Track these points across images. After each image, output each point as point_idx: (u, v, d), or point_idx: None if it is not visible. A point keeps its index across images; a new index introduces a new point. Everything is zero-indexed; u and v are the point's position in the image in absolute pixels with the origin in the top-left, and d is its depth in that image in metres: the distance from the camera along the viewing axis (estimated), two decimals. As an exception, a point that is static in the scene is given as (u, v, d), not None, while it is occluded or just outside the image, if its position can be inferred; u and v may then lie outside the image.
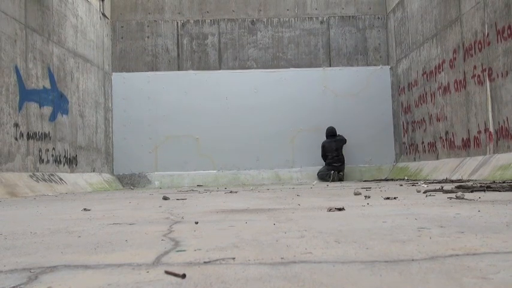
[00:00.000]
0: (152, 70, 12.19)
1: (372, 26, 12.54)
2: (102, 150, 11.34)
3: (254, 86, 12.21)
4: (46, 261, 1.43)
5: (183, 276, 1.14)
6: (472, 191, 4.12)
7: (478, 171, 7.56)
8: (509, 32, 7.09)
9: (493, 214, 2.31)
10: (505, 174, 6.69)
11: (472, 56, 8.24)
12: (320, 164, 12.02)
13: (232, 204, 3.80)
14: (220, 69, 12.31)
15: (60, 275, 1.24)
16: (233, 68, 12.30)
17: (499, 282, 1.01)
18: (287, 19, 12.50)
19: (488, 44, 7.66)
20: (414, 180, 8.76)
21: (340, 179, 11.31)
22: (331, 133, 11.70)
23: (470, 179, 7.36)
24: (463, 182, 6.36)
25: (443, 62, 9.39)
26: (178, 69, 12.25)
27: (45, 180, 8.11)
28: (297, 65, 12.36)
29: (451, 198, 3.46)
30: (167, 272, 1.19)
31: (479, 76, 8.02)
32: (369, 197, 3.86)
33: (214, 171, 11.95)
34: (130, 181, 11.81)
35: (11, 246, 1.77)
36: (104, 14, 11.74)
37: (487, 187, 4.36)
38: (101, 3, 11.60)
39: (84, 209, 3.63)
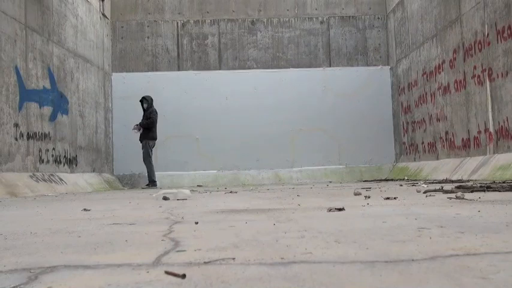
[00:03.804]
0: (152, 70, 12.19)
1: (372, 26, 12.54)
2: (102, 150, 11.34)
3: (254, 86, 12.21)
4: (46, 261, 1.43)
5: (183, 276, 1.14)
6: (472, 191, 4.12)
7: (478, 172, 7.56)
8: (509, 32, 7.09)
9: (493, 214, 2.31)
10: (505, 174, 6.69)
11: (472, 56, 8.24)
12: (320, 164, 12.02)
13: (232, 204, 3.80)
14: (220, 69, 12.31)
15: (60, 275, 1.24)
16: (233, 68, 12.30)
17: (499, 282, 1.01)
18: (287, 19, 12.50)
19: (488, 44, 7.66)
20: (414, 180, 8.76)
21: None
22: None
23: (470, 179, 7.36)
24: (463, 182, 6.36)
25: (443, 62, 9.39)
26: (178, 69, 12.25)
27: (45, 180, 8.11)
28: (297, 65, 12.36)
29: (451, 198, 3.46)
30: (167, 272, 1.19)
31: (479, 76, 8.02)
32: (369, 197, 3.86)
33: (214, 171, 11.95)
34: (131, 181, 11.81)
35: (11, 246, 1.77)
36: (104, 14, 11.74)
37: (487, 187, 4.36)
38: (101, 3, 11.60)
39: (84, 209, 3.63)
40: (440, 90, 9.62)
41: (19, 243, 1.83)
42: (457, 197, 3.40)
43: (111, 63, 12.10)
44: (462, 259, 1.25)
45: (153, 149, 11.15)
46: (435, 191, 4.29)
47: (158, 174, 11.66)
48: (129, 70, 12.18)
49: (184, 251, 1.53)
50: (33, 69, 8.28)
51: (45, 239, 1.95)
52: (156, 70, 12.20)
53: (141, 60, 12.25)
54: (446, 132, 9.38)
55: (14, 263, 1.42)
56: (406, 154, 11.61)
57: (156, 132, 10.95)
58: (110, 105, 11.96)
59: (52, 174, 8.56)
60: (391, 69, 12.36)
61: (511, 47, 7.07)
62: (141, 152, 11.40)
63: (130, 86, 12.03)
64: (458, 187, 4.62)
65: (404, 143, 11.75)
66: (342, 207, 2.85)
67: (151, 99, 11.06)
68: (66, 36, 9.62)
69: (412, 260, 1.26)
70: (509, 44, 7.11)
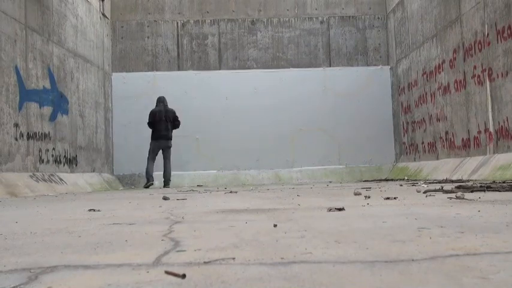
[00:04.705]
0: (152, 70, 12.19)
1: (372, 26, 12.54)
2: (102, 150, 11.34)
3: (254, 86, 12.21)
4: (46, 261, 1.43)
5: (183, 276, 1.14)
6: (472, 191, 4.12)
7: (478, 171, 7.56)
8: (509, 32, 7.09)
9: (493, 214, 2.31)
10: (505, 174, 6.69)
11: (472, 56, 8.24)
12: (320, 164, 12.02)
13: (232, 204, 3.80)
14: (220, 69, 12.31)
15: (60, 275, 1.24)
16: (233, 68, 12.30)
17: (499, 282, 1.01)
18: (287, 19, 12.50)
19: (488, 44, 7.66)
20: (414, 180, 8.76)
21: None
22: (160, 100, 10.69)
23: (470, 179, 7.36)
24: (463, 182, 6.36)
25: (443, 62, 9.39)
26: (179, 69, 12.25)
27: (45, 180, 8.11)
28: (297, 65, 12.36)
29: (451, 198, 3.46)
30: (167, 272, 1.19)
31: (479, 76, 8.02)
32: (369, 197, 3.86)
33: (214, 171, 11.95)
34: (130, 181, 11.81)
35: (11, 246, 1.77)
36: (104, 14, 11.74)
37: (487, 187, 4.36)
38: (101, 3, 11.60)
39: (84, 209, 3.63)
40: (440, 90, 9.62)
41: (19, 243, 1.83)
42: (457, 197, 3.40)
43: (111, 63, 12.10)
44: (462, 259, 1.25)
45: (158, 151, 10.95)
46: (435, 191, 4.29)
47: (158, 174, 11.67)
48: (129, 70, 12.19)
49: (184, 251, 1.53)
50: (33, 69, 8.28)
51: (45, 239, 1.95)
52: (156, 70, 12.20)
53: (141, 60, 12.26)
54: (446, 132, 9.38)
55: (14, 263, 1.42)
56: (406, 154, 11.61)
57: (154, 133, 10.54)
58: (110, 105, 11.96)
59: (52, 174, 8.56)
60: (391, 69, 12.36)
61: (511, 47, 7.07)
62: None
63: (131, 86, 12.03)
64: (458, 187, 4.62)
65: (404, 143, 11.76)
66: (342, 207, 2.85)
67: (157, 101, 10.74)
68: (66, 36, 9.62)
69: (412, 260, 1.26)
70: (509, 44, 7.11)
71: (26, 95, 8.00)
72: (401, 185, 6.67)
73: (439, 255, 1.31)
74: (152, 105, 12.08)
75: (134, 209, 3.62)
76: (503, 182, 5.44)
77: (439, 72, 9.62)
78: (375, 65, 12.45)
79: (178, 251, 1.52)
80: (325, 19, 12.52)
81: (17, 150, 7.60)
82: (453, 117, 9.08)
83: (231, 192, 6.33)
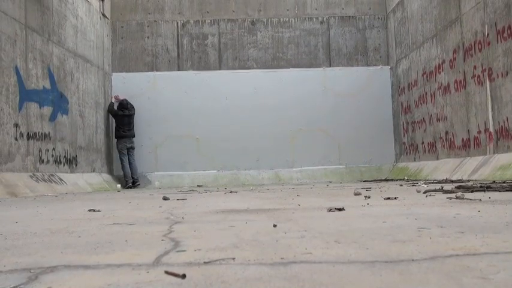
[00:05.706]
0: (152, 70, 12.19)
1: (372, 26, 12.54)
2: (102, 151, 11.33)
3: (254, 86, 12.21)
4: (46, 261, 1.43)
5: (183, 276, 1.14)
6: (472, 191, 4.12)
7: (478, 172, 7.56)
8: (509, 32, 7.09)
9: (493, 214, 2.31)
10: (505, 174, 6.69)
11: (472, 56, 8.24)
12: (320, 164, 12.02)
13: (232, 204, 3.80)
14: (220, 69, 12.31)
15: (60, 275, 1.24)
16: (233, 68, 12.30)
17: (499, 282, 1.01)
18: (287, 19, 12.50)
19: (488, 44, 7.66)
20: (414, 181, 8.76)
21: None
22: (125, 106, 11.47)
23: (470, 179, 7.36)
24: (463, 182, 6.36)
25: (443, 62, 9.39)
26: (179, 69, 12.25)
27: (45, 180, 8.11)
28: (297, 65, 12.36)
29: (451, 198, 3.46)
30: (167, 272, 1.19)
31: (479, 76, 8.02)
32: (369, 197, 3.86)
33: (214, 171, 11.95)
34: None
35: (11, 246, 1.77)
36: (104, 14, 11.74)
37: (487, 187, 4.36)
38: (101, 3, 11.60)
39: (84, 209, 3.63)
40: (440, 90, 9.62)
41: (19, 243, 1.83)
42: (457, 197, 3.41)
43: (111, 63, 12.10)
44: (462, 259, 1.25)
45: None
46: (435, 191, 4.29)
47: (158, 175, 11.69)
48: (129, 70, 12.18)
49: (184, 251, 1.53)
50: (33, 69, 8.28)
51: (45, 239, 1.95)
52: (156, 70, 12.20)
53: (141, 60, 12.25)
54: (446, 132, 9.38)
55: (14, 263, 1.42)
56: (406, 154, 11.61)
57: (119, 131, 11.38)
58: (110, 105, 11.94)
59: (52, 175, 8.55)
60: (391, 69, 12.36)
61: (511, 47, 7.07)
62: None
63: (131, 86, 12.03)
64: (458, 187, 4.63)
65: (404, 143, 11.75)
66: (342, 207, 2.85)
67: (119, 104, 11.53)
68: (66, 36, 9.62)
69: (412, 260, 1.26)
70: (509, 44, 7.11)
71: (26, 95, 7.99)
72: (401, 185, 6.67)
73: (439, 255, 1.31)
74: (152, 106, 12.12)
75: (134, 209, 3.62)
76: (503, 182, 5.44)
77: (439, 72, 9.62)
78: (374, 65, 12.45)
79: (178, 251, 1.52)
80: (325, 19, 12.52)
81: (17, 150, 7.60)
82: (453, 117, 9.08)
83: (231, 192, 6.33)
